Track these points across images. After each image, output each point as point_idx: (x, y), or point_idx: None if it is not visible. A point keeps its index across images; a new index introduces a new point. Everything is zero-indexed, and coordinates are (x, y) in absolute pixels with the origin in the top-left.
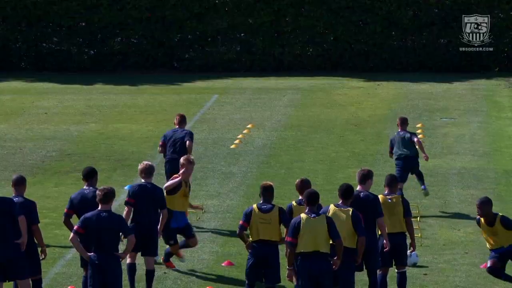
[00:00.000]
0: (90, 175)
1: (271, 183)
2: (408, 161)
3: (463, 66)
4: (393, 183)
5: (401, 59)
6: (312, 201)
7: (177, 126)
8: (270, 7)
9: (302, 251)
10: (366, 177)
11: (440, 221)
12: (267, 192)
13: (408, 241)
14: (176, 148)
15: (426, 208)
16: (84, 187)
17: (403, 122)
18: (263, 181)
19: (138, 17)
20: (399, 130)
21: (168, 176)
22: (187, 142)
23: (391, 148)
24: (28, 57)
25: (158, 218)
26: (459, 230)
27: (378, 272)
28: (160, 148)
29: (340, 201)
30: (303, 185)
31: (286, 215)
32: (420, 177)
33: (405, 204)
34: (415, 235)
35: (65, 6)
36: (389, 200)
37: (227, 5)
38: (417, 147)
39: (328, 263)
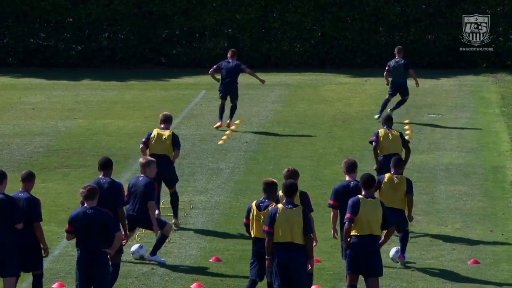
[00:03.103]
0: (106, 165)
1: (274, 180)
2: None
3: (451, 62)
4: (399, 163)
5: (389, 55)
6: (289, 192)
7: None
8: (258, 3)
9: (277, 241)
10: (354, 166)
11: (427, 217)
12: (268, 188)
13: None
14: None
15: (413, 204)
16: (100, 176)
17: (399, 51)
18: (265, 178)
19: (125, 13)
20: (396, 57)
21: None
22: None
23: (388, 68)
24: (15, 53)
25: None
26: (446, 226)
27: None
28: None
29: (364, 192)
30: (290, 175)
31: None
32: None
33: (409, 183)
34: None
35: (52, 1)
36: (396, 178)
37: (215, 0)
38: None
39: (303, 254)
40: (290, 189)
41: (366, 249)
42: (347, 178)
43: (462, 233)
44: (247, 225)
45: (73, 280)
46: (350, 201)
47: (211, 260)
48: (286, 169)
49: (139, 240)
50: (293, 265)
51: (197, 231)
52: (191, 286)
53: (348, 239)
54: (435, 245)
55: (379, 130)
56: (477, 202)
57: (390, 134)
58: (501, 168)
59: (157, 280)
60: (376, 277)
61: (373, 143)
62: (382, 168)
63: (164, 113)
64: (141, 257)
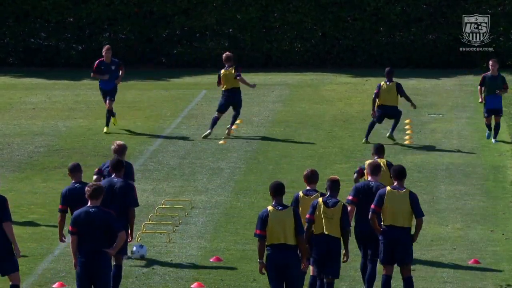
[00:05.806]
0: (117, 167)
1: (337, 177)
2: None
3: (451, 62)
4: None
5: (389, 55)
6: (276, 193)
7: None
8: (258, 3)
9: (271, 243)
10: (378, 168)
11: (428, 216)
12: (334, 186)
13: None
14: None
15: None
16: (113, 176)
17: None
18: (331, 176)
19: (126, 13)
20: (491, 72)
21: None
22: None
23: (483, 81)
24: (16, 53)
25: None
26: (447, 226)
27: None
28: None
29: (395, 183)
30: (310, 175)
31: (347, 215)
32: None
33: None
34: None
35: (53, 1)
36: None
37: (215, 0)
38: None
39: (296, 255)
40: (278, 190)
41: (392, 238)
42: (369, 178)
43: (463, 233)
44: (310, 221)
45: (74, 280)
46: (378, 193)
47: (211, 260)
48: (308, 170)
49: (140, 240)
50: (288, 266)
51: (197, 231)
52: (192, 286)
53: (380, 228)
54: (435, 244)
55: (381, 83)
56: (477, 202)
57: (388, 86)
58: (502, 168)
59: (158, 279)
60: (406, 265)
61: (374, 95)
62: (379, 116)
63: (226, 53)
64: (142, 257)
